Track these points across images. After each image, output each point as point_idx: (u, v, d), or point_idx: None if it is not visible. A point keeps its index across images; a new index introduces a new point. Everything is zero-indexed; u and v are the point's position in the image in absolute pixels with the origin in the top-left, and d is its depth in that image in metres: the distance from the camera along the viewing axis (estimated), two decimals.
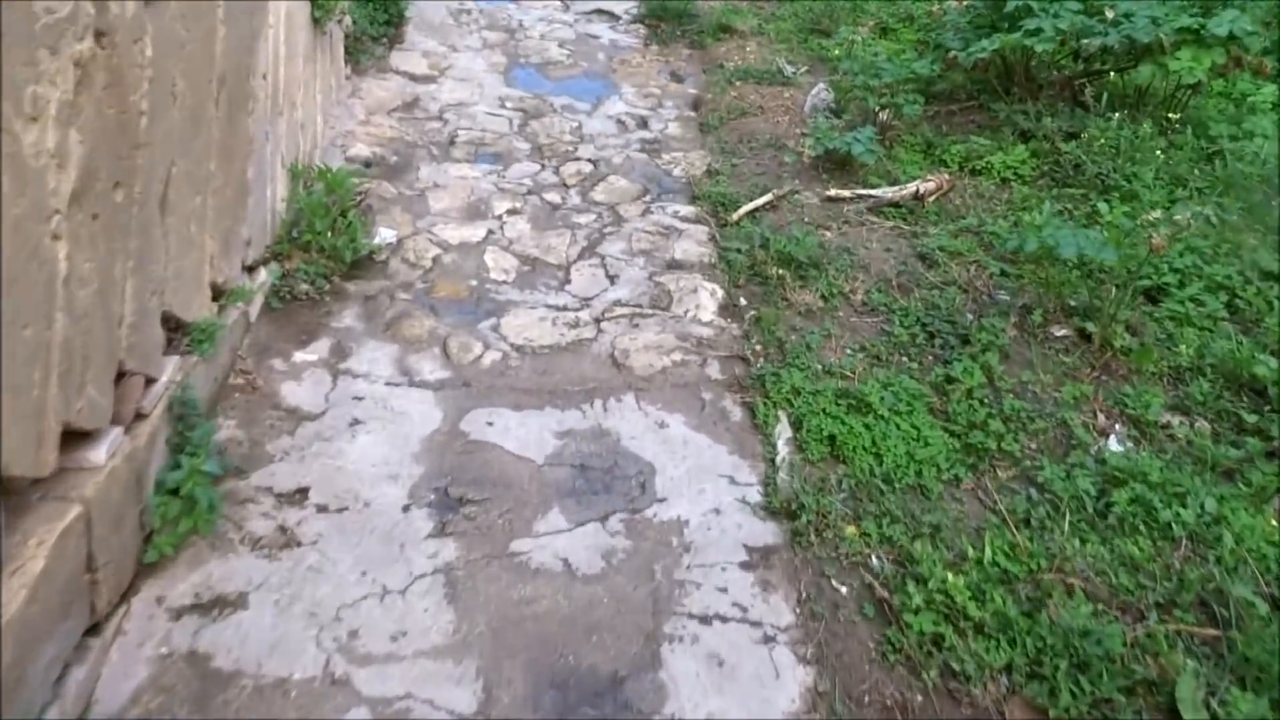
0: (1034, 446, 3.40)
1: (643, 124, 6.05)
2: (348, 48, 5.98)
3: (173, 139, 3.03)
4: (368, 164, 5.19)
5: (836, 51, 6.54)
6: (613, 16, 7.81)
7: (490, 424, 3.49)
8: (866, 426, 3.41)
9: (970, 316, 4.04)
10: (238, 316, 3.68)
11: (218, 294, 3.61)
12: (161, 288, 3.02)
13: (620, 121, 6.06)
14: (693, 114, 6.24)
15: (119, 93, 2.58)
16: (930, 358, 3.86)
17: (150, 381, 2.96)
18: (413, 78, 6.25)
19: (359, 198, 4.65)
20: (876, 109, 5.44)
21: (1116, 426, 3.46)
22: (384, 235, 4.49)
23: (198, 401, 3.11)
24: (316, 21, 5.09)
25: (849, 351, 3.90)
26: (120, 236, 2.63)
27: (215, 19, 3.43)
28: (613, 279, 4.43)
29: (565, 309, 4.18)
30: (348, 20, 6.05)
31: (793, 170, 5.32)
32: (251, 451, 3.28)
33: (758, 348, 3.97)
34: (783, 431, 3.51)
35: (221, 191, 3.53)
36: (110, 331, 2.60)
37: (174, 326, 3.25)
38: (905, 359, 3.85)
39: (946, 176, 5.04)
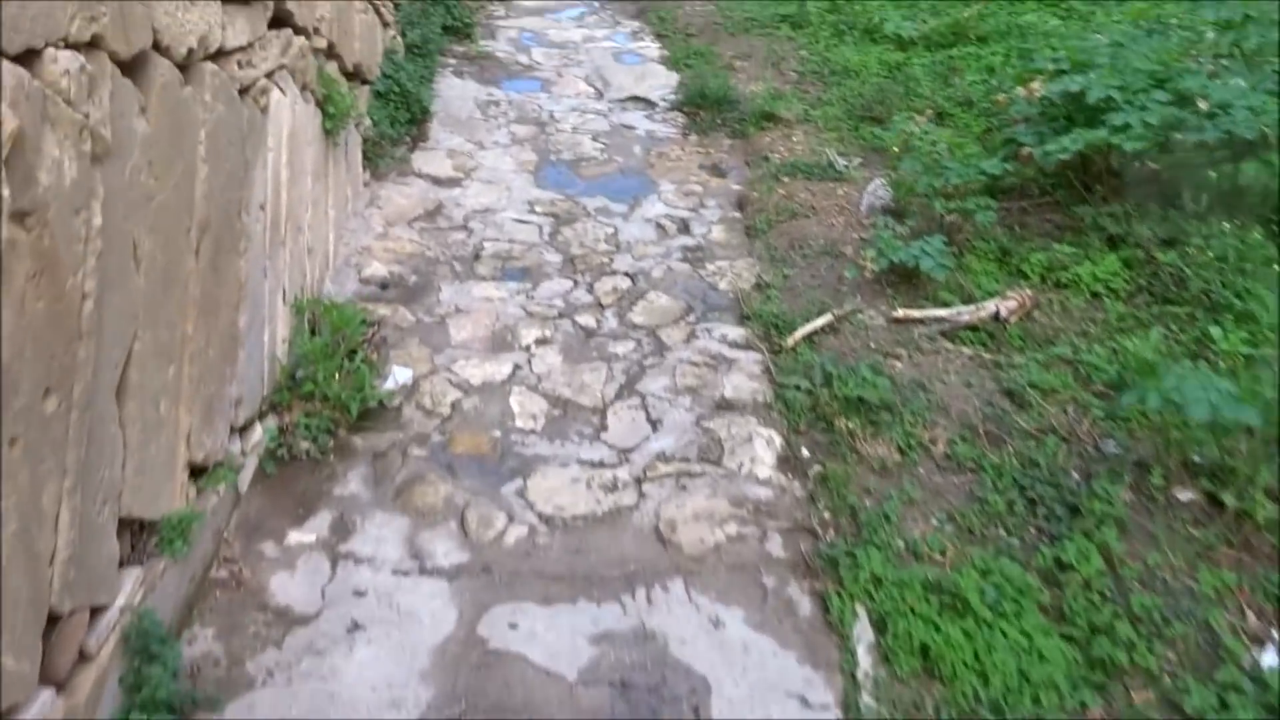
0: (1173, 658, 2.79)
1: (684, 228, 5.56)
2: (366, 152, 5.56)
3: (134, 311, 2.55)
4: (384, 285, 4.72)
5: (892, 142, 6.03)
6: (648, 104, 7.37)
7: (514, 626, 2.94)
8: (966, 634, 2.82)
9: (1076, 476, 3.44)
10: (222, 494, 3.17)
11: (198, 471, 3.11)
12: (117, 491, 2.52)
13: (659, 225, 5.57)
14: (738, 215, 5.73)
15: (52, 279, 2.09)
16: (1033, 531, 3.26)
17: (100, 609, 2.45)
18: (436, 181, 5.81)
19: (370, 332, 4.16)
20: (943, 214, 4.90)
21: (1273, 633, 2.84)
22: (398, 376, 3.99)
23: (161, 624, 2.58)
24: (328, 133, 4.66)
25: (935, 522, 3.32)
26: (53, 454, 2.13)
27: (195, 158, 2.97)
28: (655, 424, 3.89)
29: (602, 465, 3.64)
30: (366, 123, 5.64)
31: (853, 285, 4.77)
32: (229, 673, 2.75)
33: (826, 515, 3.40)
34: (863, 634, 2.93)
35: (203, 354, 3.05)
36: (36, 577, 2.09)
37: (139, 528, 2.75)
38: (1003, 533, 3.26)
39: (1029, 293, 4.47)
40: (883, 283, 4.74)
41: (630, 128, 6.91)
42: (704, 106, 7.07)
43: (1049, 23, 7.47)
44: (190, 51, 2.96)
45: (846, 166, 6.03)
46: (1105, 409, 3.76)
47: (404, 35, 6.60)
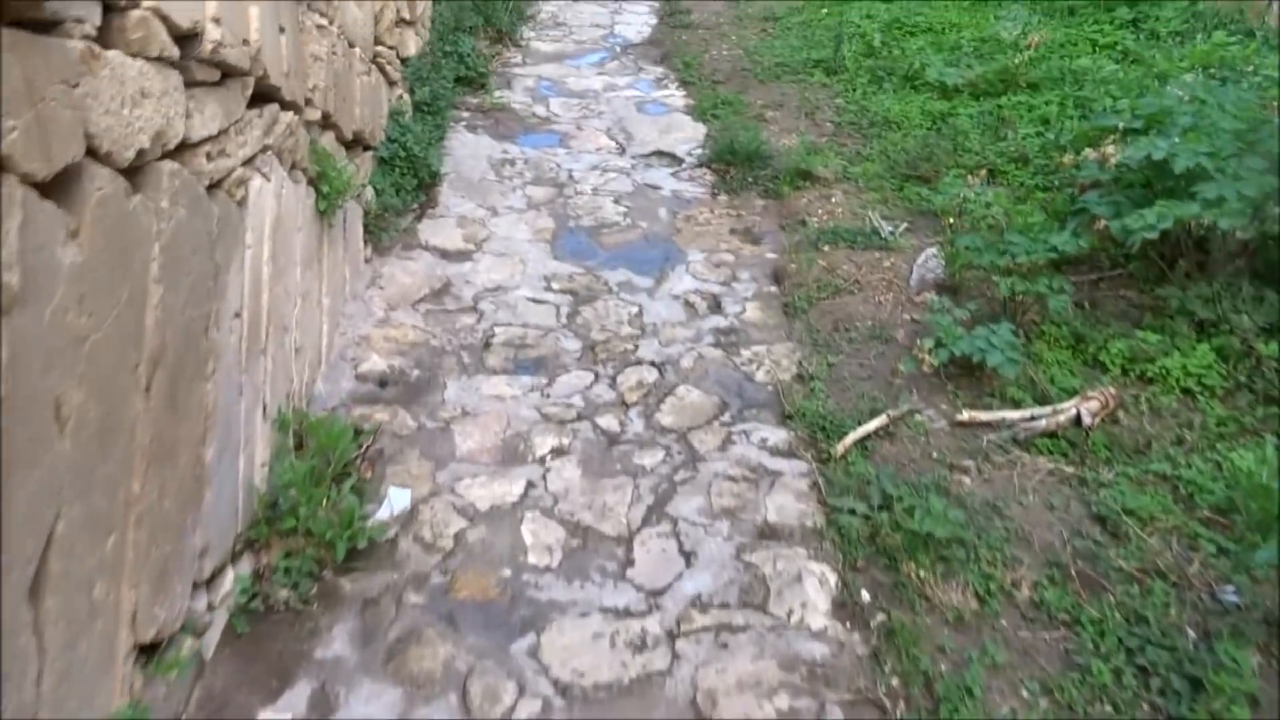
0: None
1: (715, 305, 5.05)
2: (368, 225, 5.10)
3: (56, 486, 2.08)
4: (383, 383, 4.24)
5: (942, 206, 5.51)
6: (674, 160, 6.89)
7: None
8: None
9: (1193, 634, 2.89)
10: (175, 681, 2.67)
11: (150, 649, 2.62)
12: (30, 716, 2.03)
13: (688, 303, 5.07)
14: (774, 289, 5.22)
15: None
16: (1147, 708, 2.72)
17: None
18: (444, 254, 5.34)
19: (364, 446, 3.68)
20: (1009, 296, 4.37)
21: None
22: (394, 501, 3.49)
23: None
24: (323, 214, 4.20)
25: (1027, 694, 2.78)
26: None
27: (145, 280, 2.50)
28: (688, 557, 3.37)
29: (628, 614, 3.12)
30: (368, 193, 5.19)
31: (907, 378, 4.24)
32: None
33: (894, 683, 2.87)
34: None
35: (155, 510, 2.56)
36: None
37: None
38: (1111, 710, 2.71)
39: (1111, 391, 3.93)
40: (942, 376, 4.21)
41: (655, 187, 6.43)
42: (734, 163, 6.58)
43: (1105, 67, 6.95)
44: (142, 152, 2.49)
45: (892, 233, 5.52)
46: (1215, 540, 3.22)
47: (412, 93, 6.16)
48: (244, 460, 3.22)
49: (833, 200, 6.06)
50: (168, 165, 2.67)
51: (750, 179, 6.46)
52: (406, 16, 5.97)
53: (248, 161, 3.35)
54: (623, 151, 7.01)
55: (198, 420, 2.84)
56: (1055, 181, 5.73)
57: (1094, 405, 3.85)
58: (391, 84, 5.70)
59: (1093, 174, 4.78)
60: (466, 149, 6.77)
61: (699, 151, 6.95)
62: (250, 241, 3.31)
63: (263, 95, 3.54)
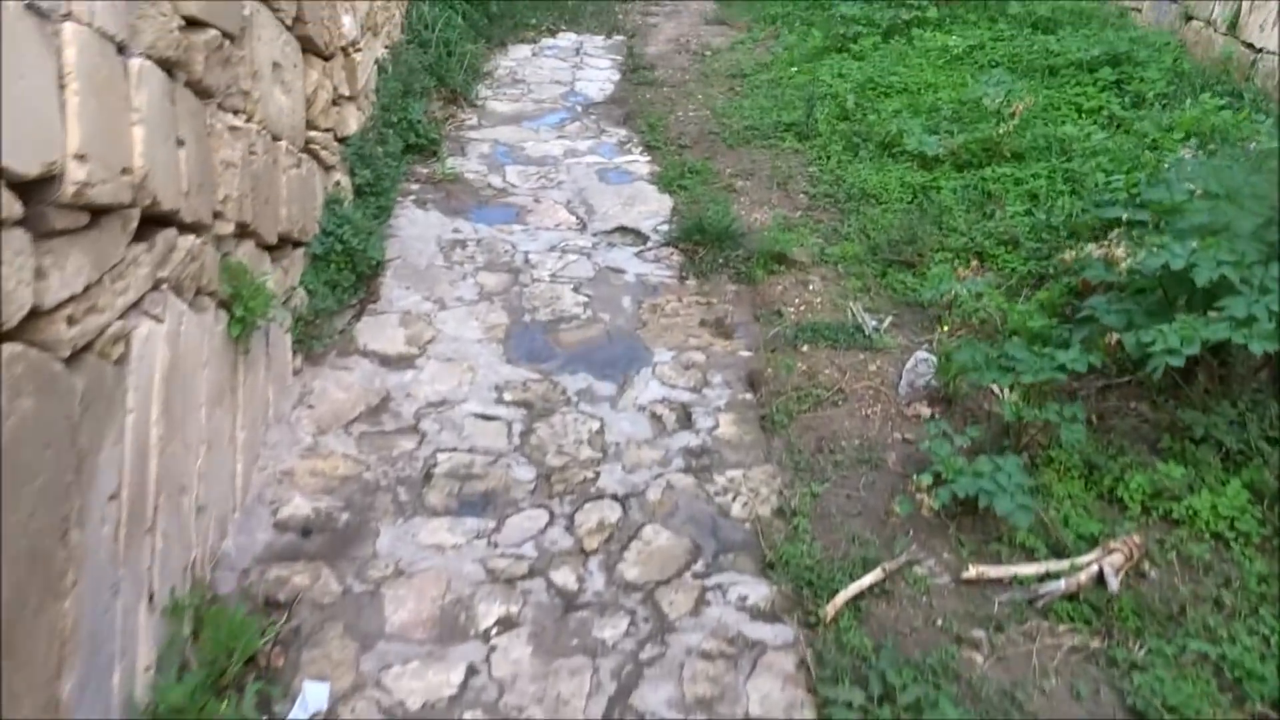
0: None
1: (685, 418, 4.56)
2: (297, 333, 4.57)
3: None
4: (306, 531, 3.70)
5: (930, 301, 5.06)
6: (639, 237, 6.42)
7: None
8: None
9: None
10: None
11: None
12: None
13: (654, 416, 4.57)
14: (749, 396, 4.74)
15: None
16: None
17: None
18: (384, 361, 4.81)
19: (276, 629, 3.14)
20: (1014, 422, 3.91)
21: None
22: (310, 699, 2.96)
23: None
24: (238, 338, 3.67)
25: None
26: None
27: None
28: None
29: None
30: (298, 297, 4.66)
31: (904, 519, 3.76)
32: None
33: None
34: None
35: None
36: None
37: None
38: None
39: (1135, 540, 3.46)
40: (943, 516, 3.74)
41: (618, 271, 5.94)
42: (703, 242, 6.11)
43: (1093, 136, 6.56)
44: None
45: (877, 329, 5.06)
46: None
47: (353, 175, 5.64)
48: (121, 673, 2.67)
49: (810, 287, 5.60)
50: (8, 349, 2.15)
51: (721, 260, 5.99)
52: (346, 92, 5.47)
53: (132, 307, 2.84)
54: (583, 228, 6.53)
55: (49, 654, 2.30)
56: (1050, 268, 5.31)
57: (1117, 559, 3.38)
58: (328, 169, 5.19)
59: (1099, 274, 4.34)
60: (415, 228, 6.26)
61: (665, 228, 6.48)
62: (133, 404, 2.78)
63: (157, 220, 3.02)
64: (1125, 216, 4.61)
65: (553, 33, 11.35)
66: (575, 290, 5.67)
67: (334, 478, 3.99)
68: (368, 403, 4.49)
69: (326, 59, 5.06)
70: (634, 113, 8.68)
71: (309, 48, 4.78)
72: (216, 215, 3.52)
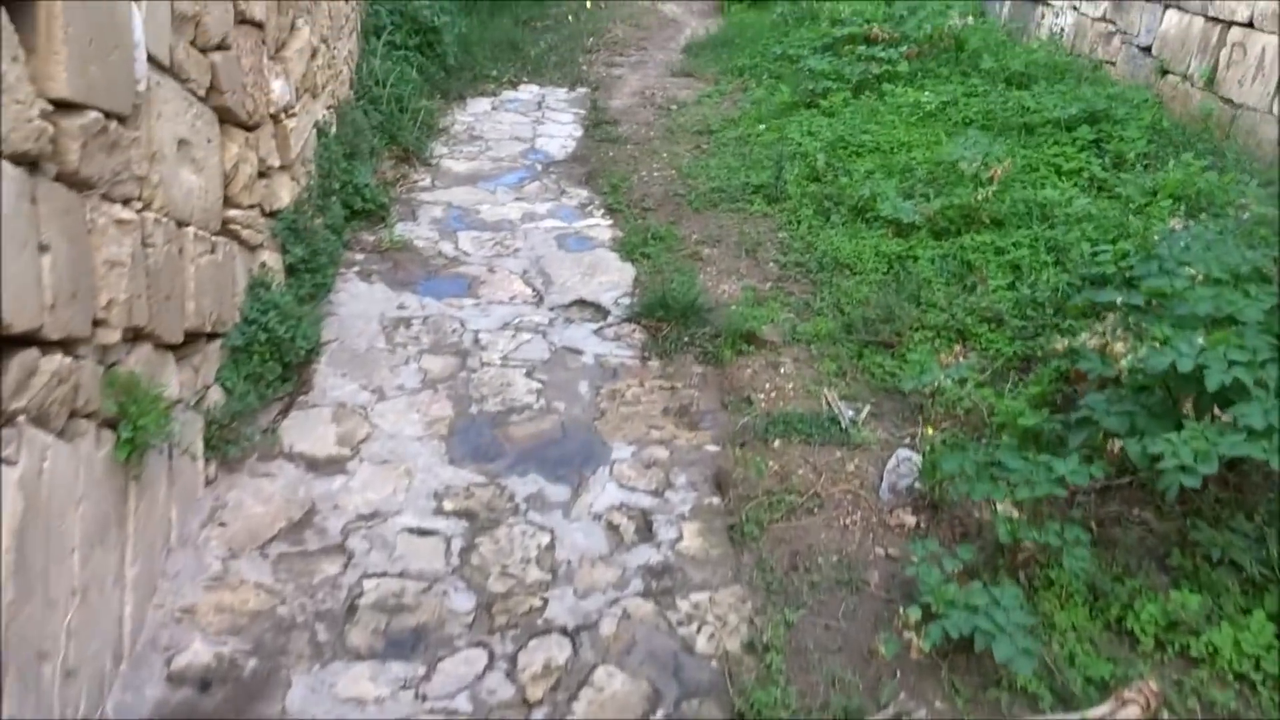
0: None
1: (645, 529, 4.12)
2: (211, 438, 4.10)
3: None
4: (205, 684, 3.21)
5: (909, 385, 4.66)
6: (598, 311, 5.99)
7: None
8: None
9: None
10: None
11: None
12: None
13: (612, 525, 4.13)
14: (717, 500, 4.31)
15: None
16: None
17: None
18: (312, 465, 4.35)
19: None
20: (1010, 543, 3.50)
21: None
22: None
23: None
24: (127, 461, 3.20)
25: None
26: None
27: None
28: None
29: None
30: (213, 396, 4.19)
31: (891, 658, 3.32)
32: None
33: None
34: None
35: None
36: None
37: None
38: None
39: (1151, 687, 3.04)
40: (934, 656, 3.30)
41: (576, 352, 5.51)
42: (667, 319, 5.70)
43: (1074, 200, 6.24)
44: None
45: (854, 421, 4.65)
46: None
47: (285, 252, 5.19)
48: None
49: (782, 370, 5.19)
50: None
51: (686, 338, 5.57)
52: (277, 162, 5.02)
53: None
54: (540, 301, 6.10)
55: None
56: (1038, 349, 4.93)
57: (1133, 712, 2.96)
58: (254, 249, 4.73)
59: (1096, 369, 3.95)
60: (357, 304, 5.81)
61: (627, 301, 6.07)
62: None
63: (10, 341, 2.56)
64: (1120, 301, 4.23)
65: (514, 84, 10.99)
66: (528, 375, 5.22)
67: (243, 614, 3.50)
68: (289, 517, 4.01)
69: (251, 129, 4.62)
70: (596, 172, 8.30)
71: (228, 118, 4.34)
72: (98, 324, 3.06)
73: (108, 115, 3.05)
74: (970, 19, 10.10)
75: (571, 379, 5.25)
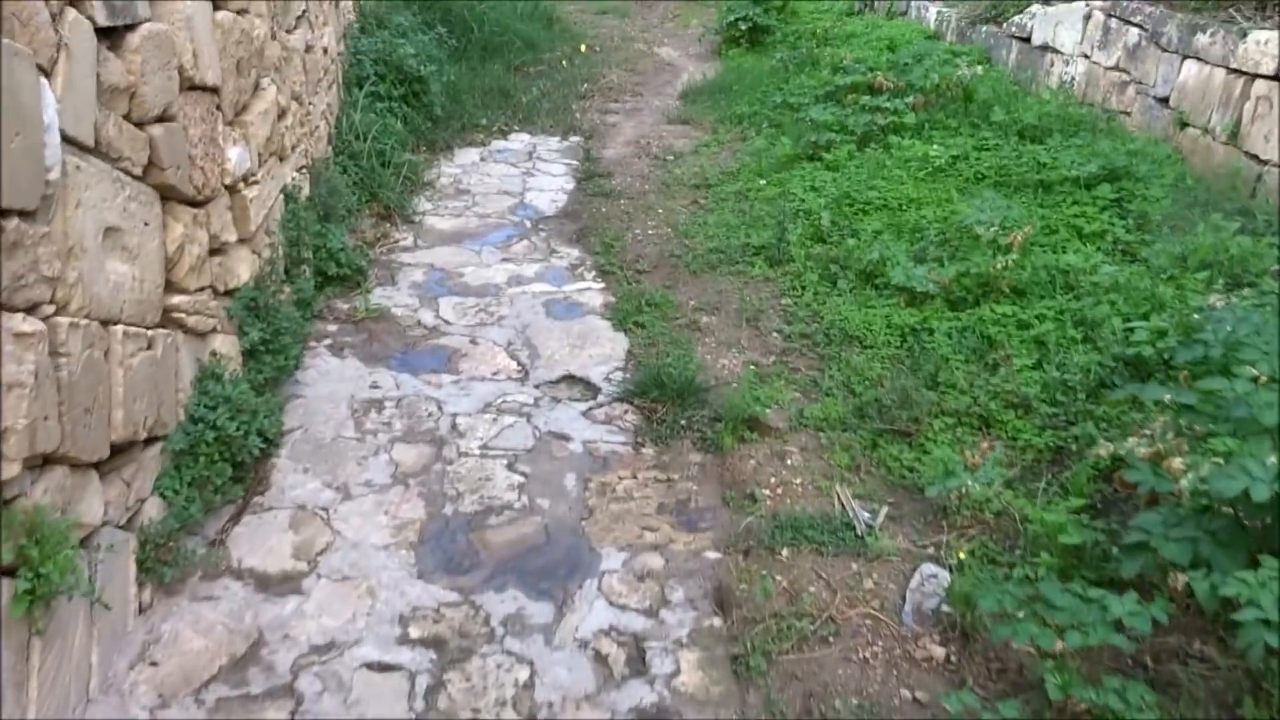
0: None
1: (638, 657, 3.64)
2: (145, 560, 3.61)
3: None
4: None
5: (933, 486, 4.18)
6: (588, 389, 5.53)
7: None
8: None
9: None
10: None
11: None
12: None
13: (600, 655, 3.64)
14: (717, 621, 3.83)
15: None
16: None
17: None
18: (262, 584, 3.87)
19: None
20: (1063, 700, 3.01)
21: None
22: None
23: None
24: (29, 610, 2.72)
25: None
26: None
27: None
28: None
29: None
30: (149, 509, 3.71)
31: None
32: None
33: None
34: None
35: None
36: None
37: None
38: None
39: None
40: None
41: (563, 438, 5.04)
42: (662, 399, 5.25)
43: (1100, 267, 5.80)
44: None
45: (871, 525, 4.18)
46: None
47: (242, 333, 4.73)
48: None
49: (788, 461, 4.72)
50: None
51: (683, 421, 5.11)
52: (233, 237, 4.58)
53: None
54: (525, 377, 5.64)
55: None
56: (1071, 442, 4.48)
57: None
58: (203, 336, 4.27)
59: (1147, 481, 3.48)
60: (326, 384, 5.35)
61: (619, 376, 5.61)
62: None
63: None
64: (1170, 398, 3.77)
65: (504, 133, 10.60)
66: (510, 468, 4.75)
67: None
68: (232, 652, 3.52)
69: (201, 204, 4.18)
70: (588, 229, 7.87)
71: (172, 195, 3.90)
72: None
73: (4, 214, 2.60)
74: (979, 68, 9.70)
75: (557, 470, 4.78)
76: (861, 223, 7.06)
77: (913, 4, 14.58)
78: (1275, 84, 6.96)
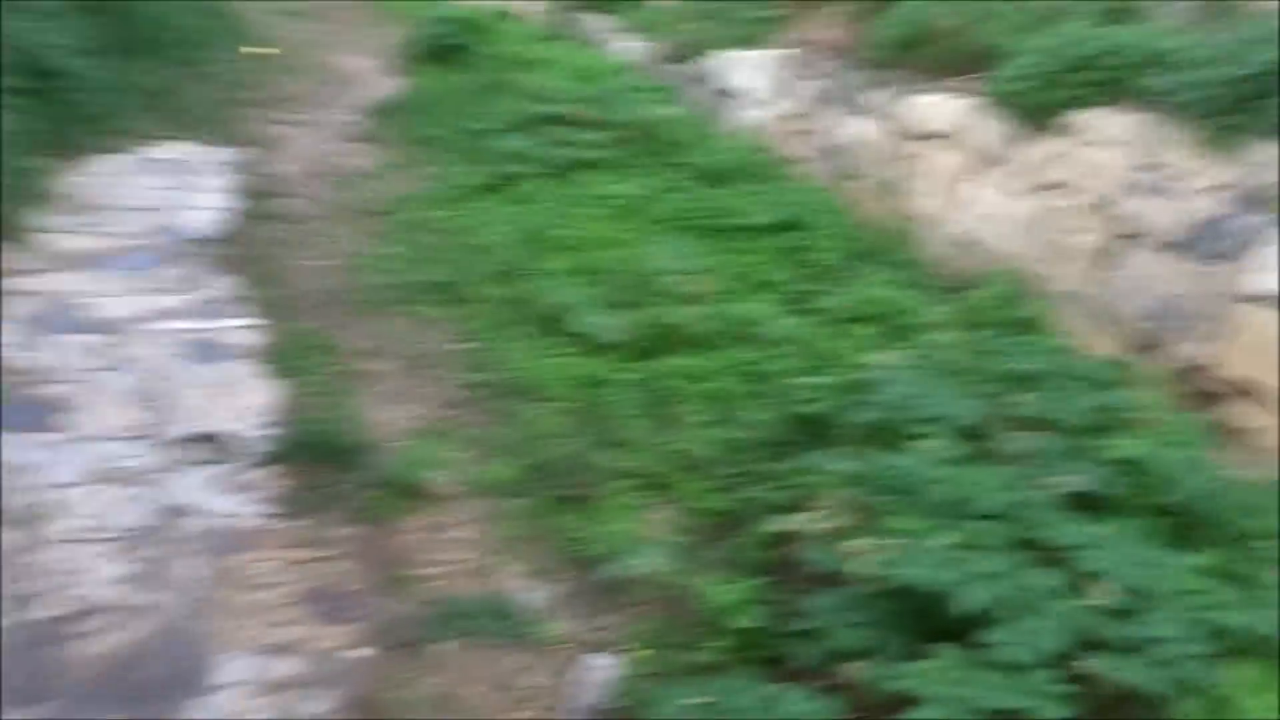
0: None
1: None
2: None
3: None
4: None
5: (606, 569, 3.88)
6: (227, 448, 4.78)
7: None
8: None
9: None
10: None
11: None
12: None
13: None
14: None
15: None
16: None
17: None
18: None
19: None
20: None
21: None
22: None
23: None
24: None
25: None
26: None
27: None
28: None
29: None
30: None
31: None
32: None
33: None
34: None
35: None
36: None
37: None
38: None
39: None
40: None
41: (190, 513, 4.29)
42: (316, 461, 4.63)
43: (780, 321, 5.81)
44: None
45: (538, 611, 3.80)
46: None
47: None
48: None
49: (448, 534, 4.28)
50: None
51: (337, 489, 4.52)
52: None
53: None
54: (152, 435, 4.81)
55: None
56: (746, 506, 4.33)
57: None
58: None
59: (822, 565, 3.33)
60: None
61: (267, 435, 4.91)
62: None
63: None
64: (850, 470, 3.68)
65: (157, 140, 9.36)
66: (111, 560, 3.95)
67: None
68: None
69: None
70: (247, 257, 7.01)
71: None
72: None
73: None
74: (671, 108, 9.75)
75: (179, 554, 4.04)
76: (546, 262, 6.73)
77: (609, 35, 14.62)
78: (928, 141, 7.40)
